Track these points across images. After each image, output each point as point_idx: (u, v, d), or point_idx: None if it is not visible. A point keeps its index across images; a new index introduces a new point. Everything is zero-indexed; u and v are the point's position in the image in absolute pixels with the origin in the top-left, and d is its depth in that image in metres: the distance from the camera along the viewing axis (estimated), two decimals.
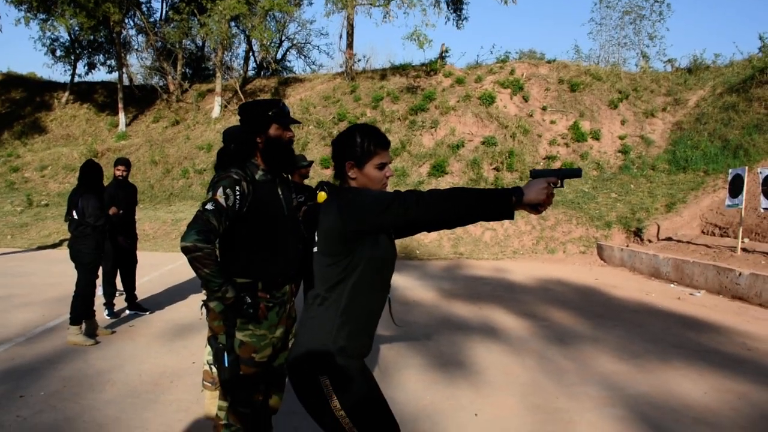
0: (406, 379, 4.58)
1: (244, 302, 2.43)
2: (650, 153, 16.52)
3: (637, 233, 12.81)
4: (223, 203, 2.38)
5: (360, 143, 2.10)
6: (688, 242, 11.33)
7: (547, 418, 3.84)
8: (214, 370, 3.65)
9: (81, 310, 5.44)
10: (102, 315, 6.31)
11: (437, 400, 4.15)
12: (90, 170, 5.60)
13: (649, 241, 12.42)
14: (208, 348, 3.67)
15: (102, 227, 5.51)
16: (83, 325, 5.54)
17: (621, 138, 17.37)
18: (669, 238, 12.01)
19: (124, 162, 6.83)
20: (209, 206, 2.37)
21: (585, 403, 4.10)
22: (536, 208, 1.95)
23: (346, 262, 2.00)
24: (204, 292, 3.52)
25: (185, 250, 2.30)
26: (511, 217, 1.93)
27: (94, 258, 5.52)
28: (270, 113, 2.53)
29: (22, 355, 5.04)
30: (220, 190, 2.40)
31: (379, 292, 2.11)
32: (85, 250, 5.46)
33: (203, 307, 2.83)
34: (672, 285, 9.50)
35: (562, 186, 2.05)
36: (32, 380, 4.41)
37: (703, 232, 12.21)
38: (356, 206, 1.99)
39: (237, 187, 2.42)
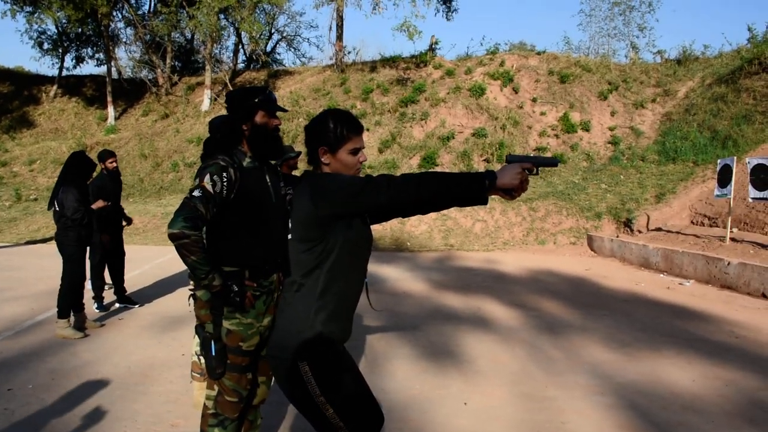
0: (395, 369, 4.58)
1: (231, 290, 2.41)
2: (640, 144, 16.58)
3: (627, 224, 12.87)
4: (210, 190, 2.35)
5: (333, 128, 2.08)
6: (678, 232, 11.39)
7: (537, 406, 3.85)
8: (203, 360, 3.64)
9: (68, 303, 5.40)
10: (91, 308, 6.27)
11: (426, 389, 4.16)
12: (74, 161, 5.50)
13: (639, 231, 12.48)
14: (197, 339, 3.65)
15: (80, 221, 5.38)
16: (71, 319, 5.50)
17: (611, 129, 17.42)
18: (659, 229, 12.07)
19: (113, 154, 6.78)
20: (196, 193, 2.34)
21: (574, 392, 4.12)
22: (510, 193, 1.93)
23: (321, 247, 1.99)
24: (192, 283, 3.51)
25: (172, 237, 2.28)
26: (484, 202, 1.91)
27: (76, 250, 5.44)
28: (256, 100, 2.48)
29: (10, 349, 5.00)
30: (207, 176, 2.37)
31: (356, 276, 2.10)
32: (66, 242, 5.39)
33: (191, 298, 2.83)
34: (661, 275, 9.56)
35: (537, 173, 2.03)
36: (20, 373, 4.38)
37: (692, 222, 12.28)
38: (328, 190, 1.98)
39: (224, 174, 2.39)
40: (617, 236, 12.27)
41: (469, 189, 1.88)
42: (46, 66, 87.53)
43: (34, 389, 4.05)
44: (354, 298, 2.10)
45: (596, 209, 13.48)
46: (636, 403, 3.92)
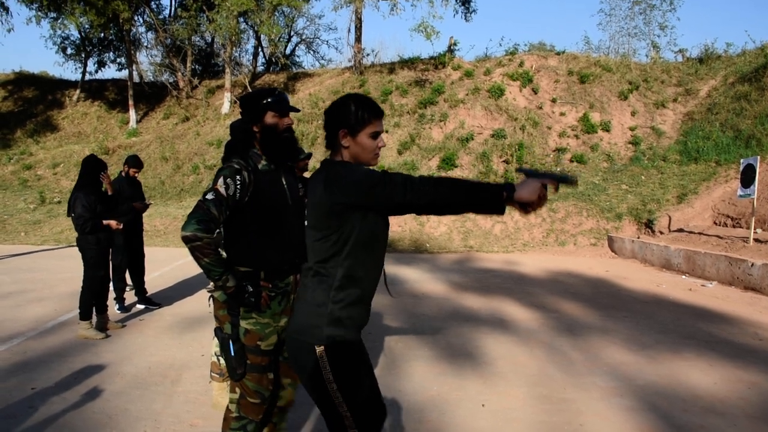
0: (413, 370, 4.58)
1: (246, 291, 2.43)
2: (661, 144, 16.39)
3: (648, 225, 12.73)
4: (224, 192, 2.38)
5: (354, 111, 2.09)
6: (700, 233, 11.24)
7: (555, 408, 3.83)
8: (222, 361, 3.67)
9: (89, 305, 5.47)
10: (113, 309, 6.36)
11: (444, 390, 4.15)
12: (85, 166, 5.49)
13: (661, 232, 12.34)
14: (216, 340, 3.70)
15: (81, 229, 5.33)
16: (93, 320, 5.59)
17: (631, 129, 17.24)
18: (680, 230, 11.92)
19: (139, 165, 6.92)
20: (209, 196, 2.37)
21: (593, 394, 4.09)
22: (525, 207, 1.92)
23: (336, 236, 2.01)
24: (211, 284, 3.55)
25: (185, 240, 2.31)
26: (501, 212, 1.92)
27: (96, 253, 5.47)
28: (264, 101, 2.52)
29: (34, 349, 5.09)
30: (221, 179, 2.40)
31: (373, 264, 2.11)
32: (86, 246, 5.44)
33: (210, 299, 2.86)
34: (683, 276, 9.44)
35: (556, 191, 1.99)
36: (44, 373, 4.46)
37: (715, 223, 12.11)
38: (342, 181, 1.99)
39: (237, 177, 2.41)
40: (638, 237, 12.14)
41: (486, 200, 1.90)
42: (69, 71, 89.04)
43: (56, 388, 4.12)
44: (372, 285, 2.11)
45: (617, 210, 13.36)
46: (656, 405, 3.87)
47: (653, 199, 13.40)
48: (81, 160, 19.08)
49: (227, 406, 2.65)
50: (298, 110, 2.75)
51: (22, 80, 26.86)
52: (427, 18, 27.53)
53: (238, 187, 2.41)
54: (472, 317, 6.43)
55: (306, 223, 2.15)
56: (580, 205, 13.79)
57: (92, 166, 5.48)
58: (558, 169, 16.06)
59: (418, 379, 4.40)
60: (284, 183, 2.60)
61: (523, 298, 7.45)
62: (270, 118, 2.52)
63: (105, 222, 5.46)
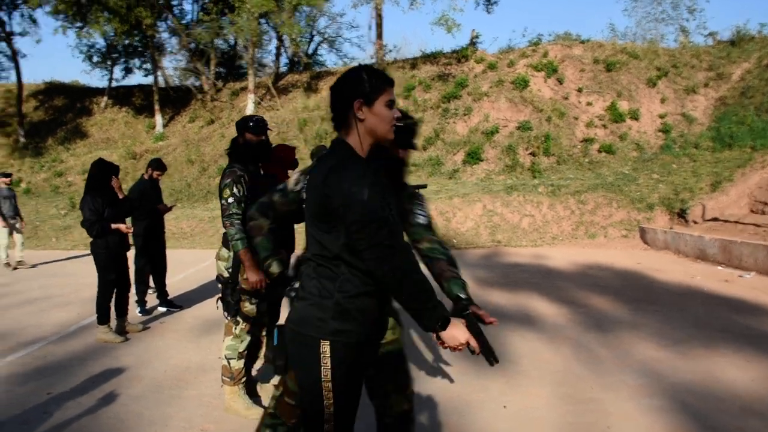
0: (435, 370, 4.44)
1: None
2: (693, 131, 15.91)
3: (681, 214, 12.33)
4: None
5: (368, 79, 1.96)
6: (736, 222, 10.83)
7: (581, 408, 3.65)
8: (232, 364, 3.59)
9: (104, 309, 5.45)
10: (134, 312, 6.36)
11: (466, 392, 4.00)
12: (91, 170, 5.43)
13: (695, 222, 11.94)
14: (226, 342, 3.61)
15: (89, 232, 5.31)
16: (116, 322, 5.61)
17: (661, 117, 16.78)
18: (715, 219, 11.52)
19: (162, 168, 6.92)
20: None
21: (621, 393, 3.89)
22: (440, 338, 1.96)
23: (338, 230, 1.91)
24: (220, 286, 3.52)
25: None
26: (424, 329, 1.96)
27: (105, 257, 5.41)
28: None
29: (54, 353, 5.10)
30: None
31: None
32: (96, 249, 5.41)
33: (218, 302, 3.08)
34: (719, 267, 9.09)
35: (478, 354, 2.02)
36: (61, 377, 4.44)
37: (752, 210, 11.67)
38: (344, 197, 1.86)
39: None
40: (671, 228, 11.77)
41: (420, 316, 1.91)
42: (96, 78, 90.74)
43: (72, 393, 4.09)
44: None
45: (648, 200, 12.98)
46: (689, 405, 3.66)
47: (686, 188, 12.98)
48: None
49: (268, 402, 2.55)
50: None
51: (52, 89, 27.44)
52: (448, 11, 27.14)
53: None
54: (498, 313, 6.24)
55: (308, 213, 2.04)
56: (610, 196, 13.43)
57: (100, 170, 5.41)
58: (584, 166, 15.72)
59: (439, 379, 4.26)
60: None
61: (551, 293, 7.23)
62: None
63: (114, 226, 5.39)
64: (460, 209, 13.54)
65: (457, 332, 1.93)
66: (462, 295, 2.29)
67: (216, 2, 22.00)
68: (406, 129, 2.46)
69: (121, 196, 5.62)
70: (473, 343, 1.98)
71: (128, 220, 6.04)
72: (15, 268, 10.34)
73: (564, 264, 9.72)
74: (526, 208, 13.52)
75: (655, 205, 12.81)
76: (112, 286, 5.53)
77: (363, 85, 1.95)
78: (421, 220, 2.47)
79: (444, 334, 1.93)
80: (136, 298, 6.58)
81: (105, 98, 25.88)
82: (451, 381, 4.21)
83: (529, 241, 12.67)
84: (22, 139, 23.20)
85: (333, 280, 1.94)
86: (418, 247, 2.45)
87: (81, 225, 5.40)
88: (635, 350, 4.83)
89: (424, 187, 2.70)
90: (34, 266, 10.71)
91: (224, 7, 21.97)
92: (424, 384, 4.13)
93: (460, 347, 1.95)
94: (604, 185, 13.89)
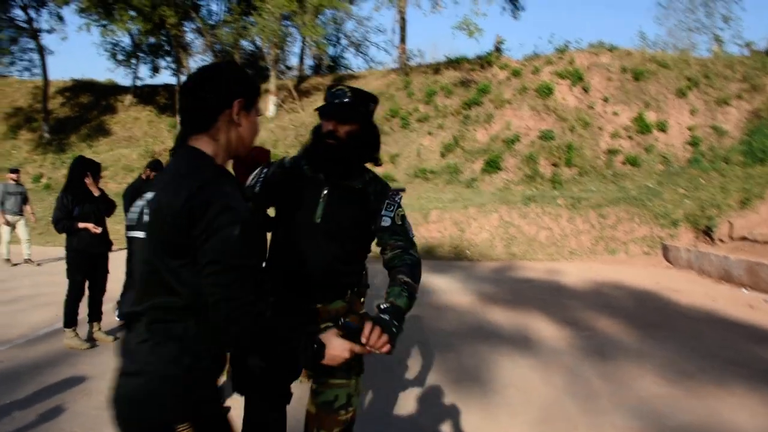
0: (409, 397, 4.06)
1: None
2: (723, 144, 15.23)
3: (707, 232, 11.73)
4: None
5: (251, 79, 1.61)
6: (766, 242, 10.22)
7: None
8: None
9: (71, 312, 5.22)
10: (113, 317, 6.10)
11: (438, 422, 3.62)
12: (71, 167, 5.29)
13: (721, 240, 11.34)
14: None
15: (57, 229, 5.17)
16: (92, 326, 5.44)
17: (690, 129, 16.11)
18: (744, 238, 10.90)
19: (159, 168, 6.69)
20: None
21: None
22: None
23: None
24: None
25: None
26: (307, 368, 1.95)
27: (73, 257, 5.23)
28: None
29: (16, 358, 4.88)
30: None
31: None
32: (67, 250, 5.27)
33: None
34: (744, 290, 8.54)
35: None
36: (11, 387, 4.16)
37: None
38: (204, 228, 1.39)
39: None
40: (695, 246, 11.19)
41: (295, 360, 1.68)
42: (120, 76, 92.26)
43: (12, 406, 3.80)
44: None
45: (672, 216, 12.38)
46: None
47: (713, 204, 12.35)
48: (128, 163, 19.44)
49: None
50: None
51: (78, 87, 27.68)
52: (470, 15, 26.72)
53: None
54: (494, 334, 5.85)
55: (151, 245, 1.50)
56: (632, 211, 12.87)
57: (75, 167, 5.24)
58: (607, 172, 15.17)
59: (411, 407, 3.88)
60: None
61: (556, 313, 6.79)
62: None
63: (82, 225, 5.15)
64: (476, 219, 13.12)
65: (335, 351, 1.67)
66: (382, 305, 1.93)
67: (239, 2, 21.94)
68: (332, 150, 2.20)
69: (96, 194, 5.35)
70: (357, 348, 1.73)
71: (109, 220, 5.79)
72: (15, 264, 10.25)
73: (578, 281, 9.25)
74: (544, 221, 13.03)
75: (680, 222, 12.22)
76: (79, 287, 5.30)
77: (246, 83, 1.59)
78: (385, 222, 2.20)
79: (326, 361, 1.66)
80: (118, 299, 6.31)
81: (130, 96, 26.02)
82: (420, 412, 3.83)
83: (545, 255, 12.19)
84: (47, 135, 23.37)
85: (179, 340, 1.47)
86: (382, 256, 2.19)
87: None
88: (636, 384, 4.39)
89: (402, 190, 2.43)
90: (39, 264, 10.59)
91: (248, 7, 21.89)
92: (397, 410, 3.76)
93: (351, 354, 1.73)
94: (626, 199, 13.33)
